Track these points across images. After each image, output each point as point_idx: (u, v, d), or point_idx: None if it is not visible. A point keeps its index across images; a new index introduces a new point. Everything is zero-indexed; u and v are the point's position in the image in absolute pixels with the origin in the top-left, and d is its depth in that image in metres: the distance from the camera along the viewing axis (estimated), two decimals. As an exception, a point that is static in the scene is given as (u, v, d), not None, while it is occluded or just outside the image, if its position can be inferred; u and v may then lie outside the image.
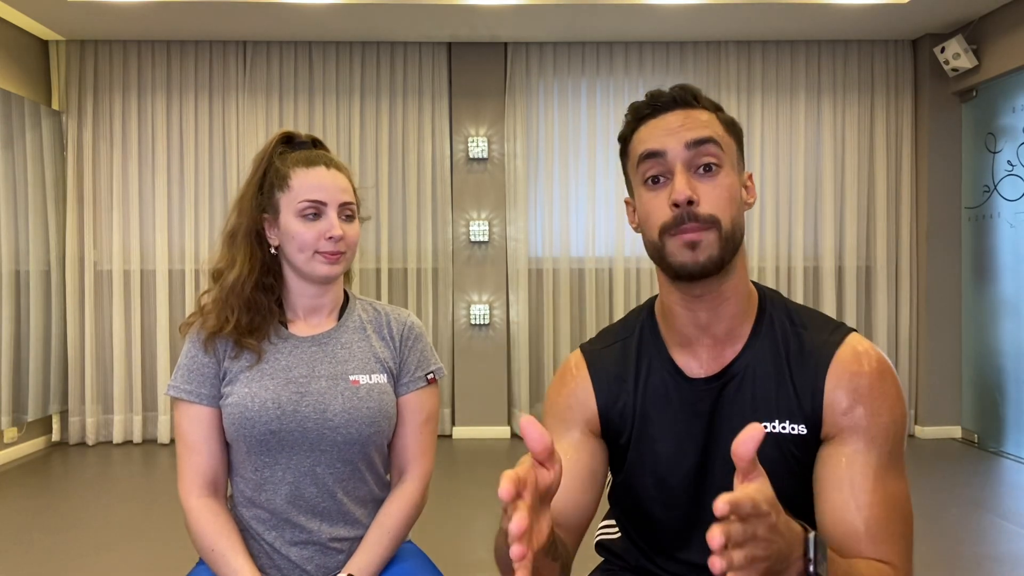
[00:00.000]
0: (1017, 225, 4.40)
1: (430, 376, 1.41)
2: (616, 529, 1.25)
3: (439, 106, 5.00)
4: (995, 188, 4.57)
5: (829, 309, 4.98)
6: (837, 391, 1.00)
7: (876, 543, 0.94)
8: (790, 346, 1.05)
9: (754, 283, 1.11)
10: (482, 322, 4.99)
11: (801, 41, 5.04)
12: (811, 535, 0.77)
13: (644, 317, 1.14)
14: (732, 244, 1.00)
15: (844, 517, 0.95)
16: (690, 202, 0.96)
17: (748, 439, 0.69)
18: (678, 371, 1.08)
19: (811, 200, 5.05)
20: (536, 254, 5.05)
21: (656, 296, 1.15)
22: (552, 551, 0.87)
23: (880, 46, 5.03)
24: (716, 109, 1.05)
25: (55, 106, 4.94)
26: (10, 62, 4.53)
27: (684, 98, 1.03)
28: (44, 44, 4.90)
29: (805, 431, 1.02)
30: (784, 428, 1.02)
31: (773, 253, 5.03)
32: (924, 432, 4.92)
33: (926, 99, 4.93)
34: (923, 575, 2.75)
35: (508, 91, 5.00)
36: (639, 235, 1.07)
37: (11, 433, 4.44)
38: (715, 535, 0.65)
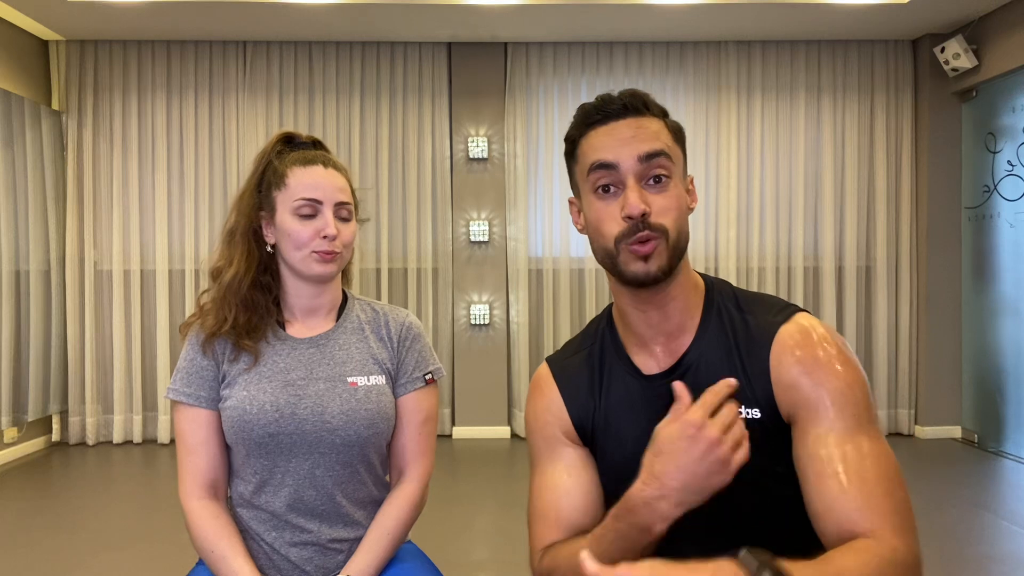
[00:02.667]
0: (1017, 225, 4.40)
1: (428, 376, 1.41)
2: None
3: (439, 106, 5.00)
4: (995, 188, 4.57)
5: (829, 309, 4.98)
6: (780, 368, 1.00)
7: (862, 513, 0.89)
8: (737, 331, 1.06)
9: (702, 275, 1.14)
10: (482, 322, 4.99)
11: (801, 41, 5.04)
12: (741, 554, 0.78)
13: (604, 324, 1.17)
14: (678, 252, 1.04)
15: (835, 504, 0.91)
16: (643, 215, 1.00)
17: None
18: (636, 371, 1.10)
19: (811, 200, 5.05)
20: (536, 254, 5.05)
21: (612, 302, 1.18)
22: None
23: (880, 46, 5.03)
24: (664, 115, 1.07)
25: (55, 106, 4.94)
26: (10, 62, 4.53)
27: (635, 105, 1.04)
28: (44, 44, 4.90)
29: (759, 414, 1.02)
30: (739, 413, 1.00)
31: (773, 253, 5.03)
32: (924, 432, 4.92)
33: (926, 99, 4.93)
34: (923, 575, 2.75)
35: (508, 91, 5.00)
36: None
37: (11, 433, 4.45)
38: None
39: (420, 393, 1.40)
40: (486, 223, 4.98)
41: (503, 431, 5.01)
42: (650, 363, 1.10)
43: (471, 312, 4.99)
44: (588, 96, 4.96)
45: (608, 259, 1.05)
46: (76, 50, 4.90)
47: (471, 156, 4.97)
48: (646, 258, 1.01)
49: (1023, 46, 4.24)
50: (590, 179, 1.04)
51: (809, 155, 5.06)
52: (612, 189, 1.03)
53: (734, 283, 1.20)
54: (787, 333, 1.02)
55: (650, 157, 1.01)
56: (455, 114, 5.01)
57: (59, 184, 4.86)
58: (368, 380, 1.34)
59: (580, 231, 1.11)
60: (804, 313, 1.05)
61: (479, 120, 5.01)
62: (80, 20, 4.53)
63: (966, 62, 4.54)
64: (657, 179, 1.02)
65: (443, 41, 4.98)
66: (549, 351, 5.00)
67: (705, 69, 5.04)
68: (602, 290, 5.04)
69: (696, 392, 1.03)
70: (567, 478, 1.11)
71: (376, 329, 1.41)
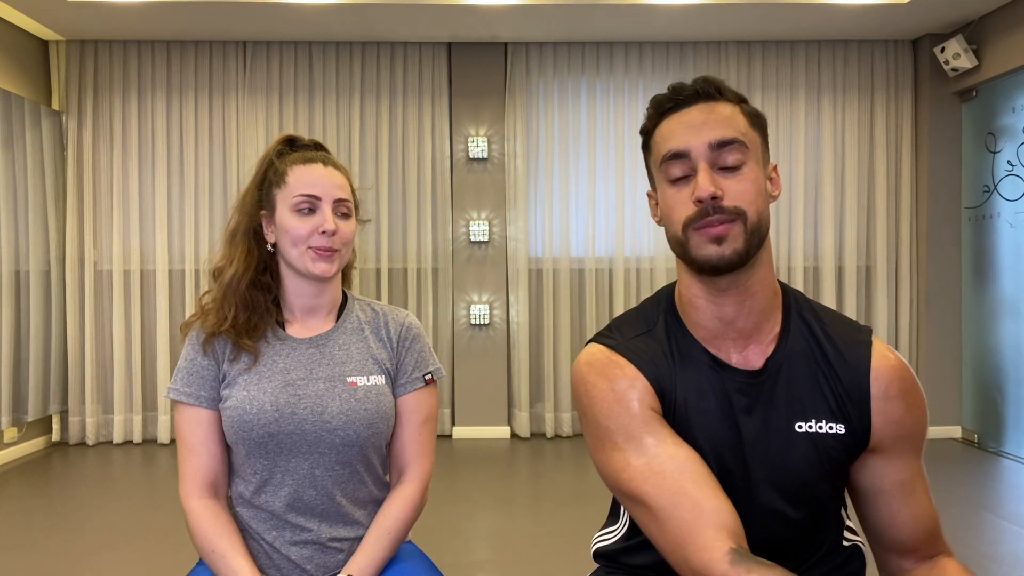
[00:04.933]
0: (1017, 225, 4.40)
1: (428, 377, 1.41)
2: (612, 534, 1.21)
3: (439, 106, 5.00)
4: (995, 188, 4.57)
5: (829, 309, 4.98)
6: (886, 399, 1.03)
7: (941, 538, 1.08)
8: (823, 345, 1.05)
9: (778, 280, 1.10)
10: (482, 322, 4.99)
11: (801, 41, 5.04)
12: None
13: (664, 309, 1.09)
14: (757, 237, 0.98)
15: (927, 523, 1.06)
16: (714, 197, 0.95)
17: None
18: (717, 362, 1.04)
19: (811, 200, 5.05)
20: (536, 254, 5.05)
21: (671, 291, 1.11)
22: None
23: (880, 46, 5.03)
24: (740, 101, 1.04)
25: (55, 106, 4.94)
26: (10, 62, 4.53)
27: (707, 91, 1.02)
28: (44, 44, 4.90)
29: (843, 431, 1.02)
30: (821, 428, 1.02)
31: (773, 253, 5.01)
32: (924, 432, 4.91)
33: (926, 99, 4.93)
34: (923, 575, 2.75)
35: (508, 91, 5.00)
36: (649, 233, 1.11)
37: (11, 433, 4.45)
38: None
39: (420, 393, 1.40)
40: (486, 223, 4.98)
41: (503, 431, 5.01)
42: (734, 357, 1.04)
43: (471, 312, 4.99)
44: (588, 96, 5.02)
45: (679, 246, 1.01)
46: (76, 50, 4.90)
47: (471, 156, 4.97)
48: (719, 240, 0.96)
49: (1023, 46, 4.24)
50: (663, 169, 1.01)
51: (809, 155, 5.06)
52: (686, 177, 1.00)
53: None
54: (885, 364, 1.04)
55: (722, 145, 0.97)
56: (455, 114, 5.01)
57: (59, 184, 4.86)
58: (368, 380, 1.34)
59: (658, 223, 1.06)
60: (874, 336, 1.09)
61: (479, 120, 5.01)
62: (80, 20, 4.53)
63: (966, 62, 4.54)
64: (733, 165, 0.98)
65: (443, 41, 4.98)
66: (549, 351, 5.02)
67: (705, 69, 5.03)
68: (602, 290, 5.04)
69: (776, 400, 1.03)
70: (692, 461, 0.96)
71: (376, 329, 1.41)
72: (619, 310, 4.91)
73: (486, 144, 4.96)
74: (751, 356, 1.04)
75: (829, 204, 5.01)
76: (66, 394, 4.87)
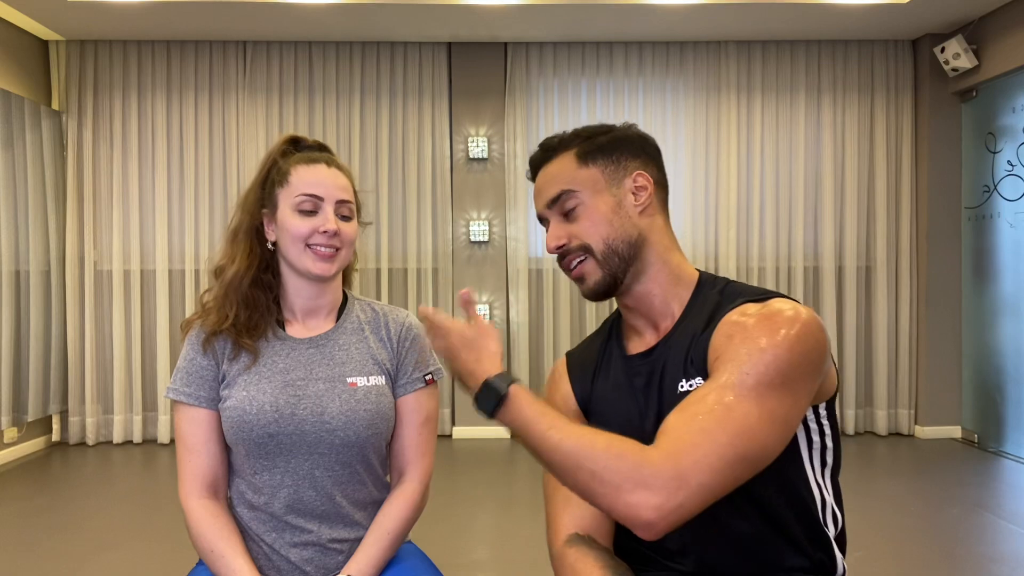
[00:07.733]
0: (1017, 225, 4.40)
1: (428, 377, 1.41)
2: None
3: (439, 106, 5.00)
4: (995, 188, 4.57)
5: (829, 309, 4.98)
6: (720, 334, 1.01)
7: (665, 436, 0.92)
8: (711, 310, 1.08)
9: (703, 272, 1.16)
10: (482, 322, 4.98)
11: (801, 41, 5.04)
12: (492, 378, 1.01)
13: (614, 316, 1.26)
14: (614, 260, 1.11)
15: (665, 426, 0.95)
16: (559, 247, 1.14)
17: (462, 298, 1.08)
18: (625, 354, 1.18)
19: (811, 200, 5.05)
20: (536, 254, 5.05)
21: None
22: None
23: (880, 46, 5.03)
24: (578, 143, 1.15)
25: (55, 106, 4.94)
26: (10, 62, 4.53)
27: (543, 159, 1.18)
28: (44, 44, 4.90)
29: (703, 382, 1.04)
30: (692, 385, 1.05)
31: (773, 253, 5.03)
32: (924, 432, 4.92)
33: (926, 99, 4.93)
34: (923, 575, 2.75)
35: (508, 91, 5.00)
36: None
37: (11, 433, 4.45)
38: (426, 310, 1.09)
39: (420, 394, 1.40)
40: (486, 223, 4.98)
41: (503, 431, 5.00)
42: (638, 346, 1.17)
43: (471, 312, 4.99)
44: (588, 96, 5.03)
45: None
46: (76, 50, 4.90)
47: (471, 156, 4.97)
48: (580, 281, 1.15)
49: (1023, 46, 4.24)
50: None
51: (809, 155, 5.06)
52: (549, 225, 1.19)
53: None
54: (743, 307, 1.02)
55: (553, 202, 1.14)
56: (455, 114, 5.01)
57: (59, 184, 4.86)
58: (368, 380, 1.34)
59: None
60: (781, 298, 1.03)
61: (479, 120, 5.01)
62: (80, 20, 4.53)
63: (966, 62, 4.54)
64: (571, 211, 1.13)
65: (443, 41, 4.98)
66: (549, 351, 5.03)
67: (705, 69, 5.03)
68: (602, 290, 5.03)
69: (665, 373, 1.10)
70: None
71: (376, 329, 1.41)
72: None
73: (486, 144, 4.96)
74: (656, 338, 1.15)
75: (829, 204, 5.01)
76: (66, 394, 4.87)
